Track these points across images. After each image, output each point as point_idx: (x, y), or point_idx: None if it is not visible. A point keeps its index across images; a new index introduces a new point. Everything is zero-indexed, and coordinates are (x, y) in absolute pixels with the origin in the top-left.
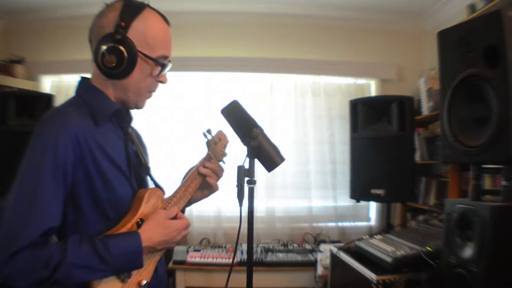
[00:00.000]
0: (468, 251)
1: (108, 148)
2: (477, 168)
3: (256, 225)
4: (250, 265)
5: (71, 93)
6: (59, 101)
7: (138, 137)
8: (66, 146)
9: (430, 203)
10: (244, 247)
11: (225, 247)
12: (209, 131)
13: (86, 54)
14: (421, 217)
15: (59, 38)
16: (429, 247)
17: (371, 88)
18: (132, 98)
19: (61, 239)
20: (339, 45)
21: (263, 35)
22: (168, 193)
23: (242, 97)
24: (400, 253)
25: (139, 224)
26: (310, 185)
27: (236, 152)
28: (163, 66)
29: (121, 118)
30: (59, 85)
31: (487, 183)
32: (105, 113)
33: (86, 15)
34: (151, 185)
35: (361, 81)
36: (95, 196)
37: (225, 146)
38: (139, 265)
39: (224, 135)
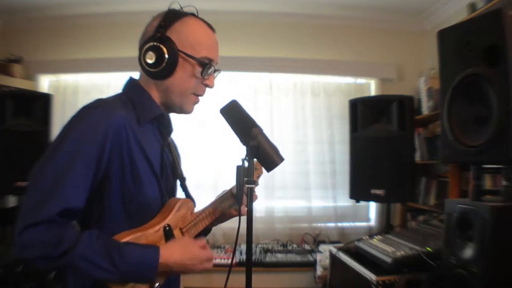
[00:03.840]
0: (468, 251)
1: (146, 148)
2: (477, 168)
3: (255, 225)
4: (249, 265)
5: (69, 92)
6: (57, 100)
7: (175, 146)
8: (105, 135)
9: (430, 203)
10: (243, 247)
11: (224, 247)
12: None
13: (84, 53)
14: (421, 218)
15: (57, 37)
16: (429, 247)
17: (371, 87)
18: (177, 100)
19: None
20: (339, 44)
21: (262, 34)
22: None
23: (241, 96)
24: (400, 253)
25: (166, 230)
26: (309, 185)
27: (235, 152)
28: (205, 66)
29: (163, 123)
30: (57, 84)
31: (487, 183)
32: (148, 114)
33: (84, 15)
34: (179, 195)
35: (361, 80)
36: (124, 192)
37: (259, 176)
38: (150, 280)
39: (260, 166)
